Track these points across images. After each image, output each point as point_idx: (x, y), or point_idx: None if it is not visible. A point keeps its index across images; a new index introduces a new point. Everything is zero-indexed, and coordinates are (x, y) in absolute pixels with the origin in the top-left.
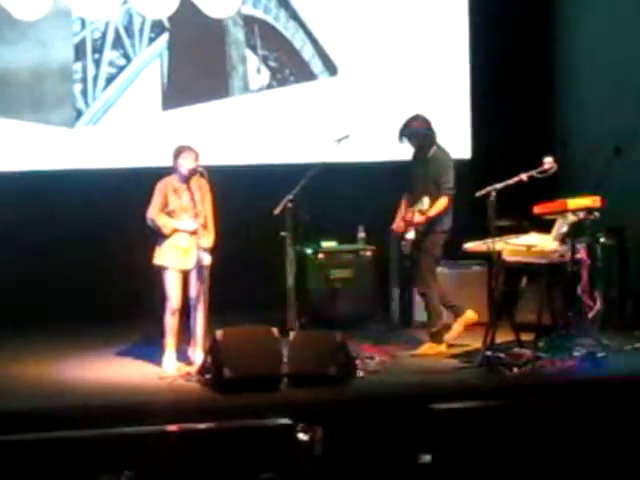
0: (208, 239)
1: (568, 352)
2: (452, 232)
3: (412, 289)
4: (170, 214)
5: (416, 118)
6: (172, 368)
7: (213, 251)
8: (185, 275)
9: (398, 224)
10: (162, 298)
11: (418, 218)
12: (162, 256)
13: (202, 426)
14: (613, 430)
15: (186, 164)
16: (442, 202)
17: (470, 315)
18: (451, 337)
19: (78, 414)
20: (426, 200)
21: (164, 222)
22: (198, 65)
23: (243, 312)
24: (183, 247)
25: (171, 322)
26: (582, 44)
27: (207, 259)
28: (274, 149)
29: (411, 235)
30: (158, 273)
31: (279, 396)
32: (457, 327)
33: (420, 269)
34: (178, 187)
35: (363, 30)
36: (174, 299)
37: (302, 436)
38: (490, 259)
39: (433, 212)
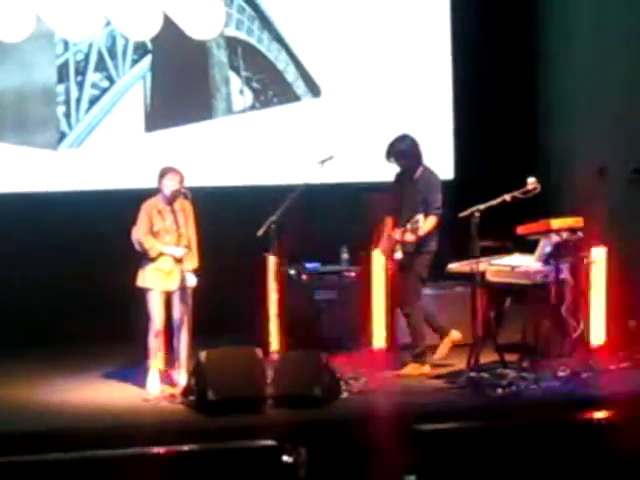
0: (192, 261)
1: (552, 373)
2: (435, 253)
3: (396, 310)
4: (154, 235)
5: (404, 138)
6: (156, 389)
7: (197, 272)
8: (168, 297)
9: (383, 245)
10: (146, 320)
11: (409, 237)
12: (145, 278)
13: (186, 448)
14: (599, 451)
15: (170, 185)
16: (431, 222)
17: (455, 335)
18: (437, 358)
19: (62, 436)
20: (420, 217)
21: (152, 245)
22: (181, 87)
23: (227, 333)
24: (166, 269)
25: (155, 343)
26: (566, 64)
27: (192, 280)
28: (257, 170)
29: (399, 255)
30: (141, 295)
31: (263, 417)
32: (443, 348)
33: (405, 289)
34: (162, 208)
35: (346, 52)
36: (157, 320)
37: (286, 458)
38: (474, 280)
39: (423, 232)
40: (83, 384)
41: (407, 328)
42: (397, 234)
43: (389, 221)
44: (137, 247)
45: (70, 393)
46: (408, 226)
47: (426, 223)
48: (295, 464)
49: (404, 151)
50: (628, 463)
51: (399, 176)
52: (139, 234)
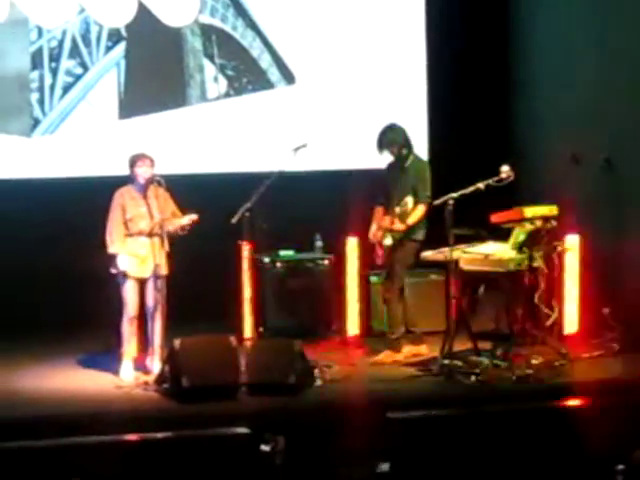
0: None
1: (526, 361)
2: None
3: (369, 299)
4: (129, 222)
5: (393, 127)
6: (129, 377)
7: (170, 258)
8: (142, 284)
9: (375, 233)
10: (120, 307)
11: (398, 226)
12: (119, 264)
13: (160, 435)
14: (572, 437)
15: (142, 173)
16: (420, 210)
17: (422, 350)
18: (399, 357)
19: (35, 424)
20: (410, 199)
21: (116, 249)
22: (155, 74)
23: (201, 321)
24: (141, 255)
25: (128, 330)
26: (540, 50)
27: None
28: (231, 158)
29: (388, 241)
30: (115, 281)
31: (237, 405)
32: (407, 351)
33: (391, 276)
34: (135, 196)
35: (320, 39)
36: (131, 307)
37: (264, 447)
38: (448, 268)
39: (412, 220)
40: (56, 371)
41: (383, 315)
42: (386, 222)
43: (379, 209)
44: (109, 250)
45: (43, 380)
46: (397, 209)
47: (415, 212)
48: (272, 452)
49: (395, 140)
50: (600, 450)
51: (390, 165)
52: (115, 248)
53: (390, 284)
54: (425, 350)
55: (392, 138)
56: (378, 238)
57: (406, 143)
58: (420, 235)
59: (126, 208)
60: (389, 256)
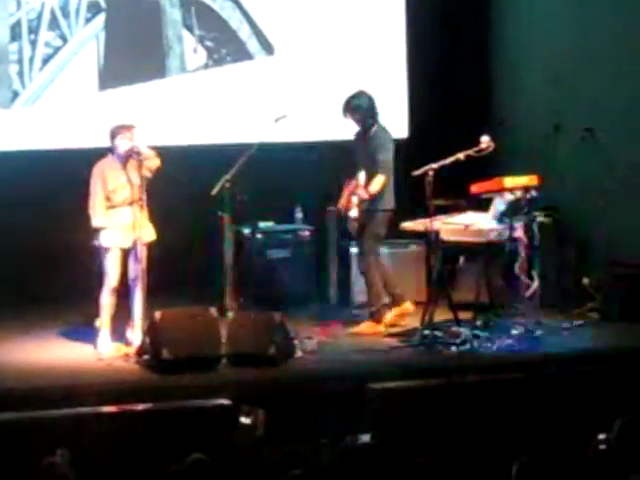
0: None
1: (506, 331)
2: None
3: (350, 269)
4: (111, 194)
5: (360, 94)
6: (107, 348)
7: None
8: (124, 254)
9: (342, 202)
10: (100, 278)
11: (361, 193)
12: (104, 236)
13: (140, 407)
14: (551, 408)
15: (123, 145)
16: (379, 179)
17: (407, 307)
18: (385, 324)
19: (17, 396)
20: (362, 175)
21: (98, 224)
22: (135, 45)
23: (181, 293)
24: (124, 224)
25: (108, 302)
26: (520, 21)
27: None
28: (211, 129)
29: (354, 213)
30: (97, 252)
31: (218, 377)
32: (392, 316)
33: (363, 248)
34: (115, 167)
35: (299, 9)
36: (113, 278)
37: (244, 419)
38: (428, 238)
39: (374, 189)
40: (37, 343)
41: (362, 287)
42: (349, 192)
43: (348, 179)
44: (93, 223)
45: (23, 352)
46: (353, 183)
47: (375, 182)
48: (253, 425)
49: (359, 107)
50: (581, 419)
51: (356, 134)
52: (98, 222)
53: (363, 257)
54: (410, 306)
55: (357, 105)
56: (344, 210)
57: (371, 112)
58: (386, 204)
59: (107, 180)
60: (359, 228)
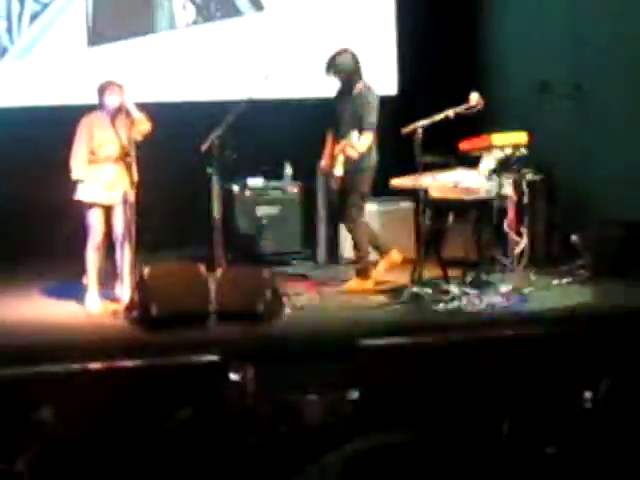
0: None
1: (495, 288)
2: (378, 169)
3: (339, 226)
4: (96, 148)
5: (344, 52)
6: (95, 305)
7: (139, 187)
8: (108, 210)
9: (326, 161)
10: (85, 234)
11: (351, 152)
12: (85, 191)
13: (129, 363)
14: (540, 366)
15: (111, 102)
16: (367, 138)
17: (394, 256)
18: (375, 276)
19: (2, 353)
20: (355, 134)
21: (77, 176)
22: (123, 1)
23: (170, 249)
24: (108, 182)
25: (93, 258)
26: None
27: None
28: (201, 86)
29: (339, 171)
30: (81, 208)
31: (207, 333)
32: (380, 268)
33: (347, 206)
34: (103, 122)
35: None
36: (97, 233)
37: (233, 375)
38: (417, 195)
39: (361, 148)
40: (24, 300)
41: (350, 244)
42: (336, 150)
43: (330, 137)
44: (73, 174)
45: (9, 309)
46: (344, 142)
47: (362, 140)
48: (242, 381)
49: (343, 65)
50: (568, 378)
51: (339, 91)
52: (76, 168)
53: (348, 214)
54: (397, 255)
55: (341, 62)
56: (329, 167)
57: (356, 69)
58: (370, 162)
59: (93, 133)
60: (343, 187)
